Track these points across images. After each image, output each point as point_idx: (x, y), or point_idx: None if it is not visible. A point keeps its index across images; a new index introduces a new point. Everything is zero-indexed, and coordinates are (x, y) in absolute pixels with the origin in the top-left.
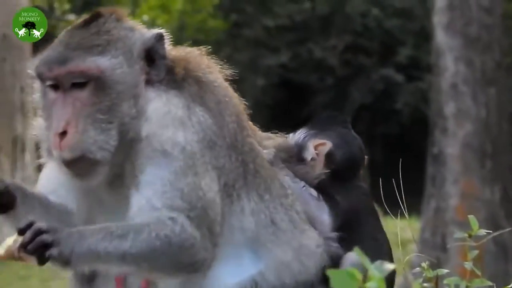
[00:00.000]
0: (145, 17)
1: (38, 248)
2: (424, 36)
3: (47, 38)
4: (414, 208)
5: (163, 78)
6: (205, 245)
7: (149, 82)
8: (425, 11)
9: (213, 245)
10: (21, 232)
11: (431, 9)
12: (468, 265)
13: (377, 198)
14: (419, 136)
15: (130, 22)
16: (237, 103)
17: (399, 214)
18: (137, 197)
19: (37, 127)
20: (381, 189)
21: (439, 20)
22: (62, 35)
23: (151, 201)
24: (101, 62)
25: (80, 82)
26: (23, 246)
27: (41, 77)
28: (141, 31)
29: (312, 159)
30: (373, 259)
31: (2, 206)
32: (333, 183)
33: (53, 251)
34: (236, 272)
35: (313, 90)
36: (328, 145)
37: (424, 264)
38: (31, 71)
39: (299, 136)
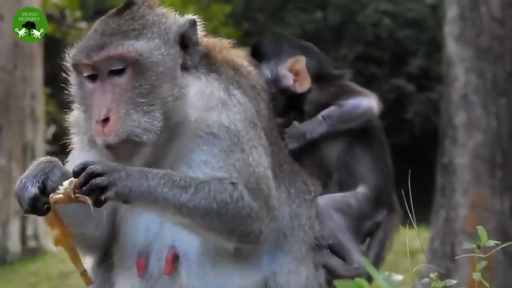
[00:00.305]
0: None
1: (92, 191)
2: (436, 46)
3: (59, 46)
4: (423, 218)
5: (199, 63)
6: (261, 216)
7: (184, 68)
8: (436, 21)
9: (270, 218)
10: (76, 174)
11: (442, 20)
12: (477, 276)
13: None
14: (429, 146)
15: (163, 9)
16: (266, 92)
17: (407, 224)
18: (192, 174)
19: (72, 119)
20: None
21: (450, 30)
22: (96, 24)
23: (209, 175)
24: (139, 45)
25: (118, 68)
26: (80, 187)
27: (78, 66)
28: (174, 17)
29: (295, 80)
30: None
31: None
32: (328, 88)
33: (108, 194)
34: (252, 270)
35: None
36: (302, 59)
37: (432, 275)
38: (66, 63)
39: (264, 72)
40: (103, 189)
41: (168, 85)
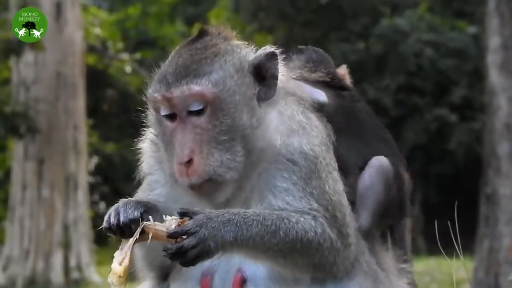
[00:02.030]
0: None
1: (177, 254)
2: (478, 76)
3: (101, 77)
4: (467, 248)
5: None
6: (337, 247)
7: (259, 99)
8: (479, 51)
9: (344, 247)
10: (171, 236)
11: (485, 50)
12: None
13: (431, 238)
14: (472, 176)
15: (239, 41)
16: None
17: (454, 255)
18: (274, 201)
19: (146, 149)
20: (436, 228)
21: (493, 60)
22: (171, 56)
23: (293, 205)
24: (213, 77)
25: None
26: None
27: (156, 104)
28: (250, 48)
29: None
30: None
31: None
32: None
33: (191, 253)
34: None
35: None
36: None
37: None
38: (146, 99)
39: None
40: (187, 249)
41: (247, 116)
